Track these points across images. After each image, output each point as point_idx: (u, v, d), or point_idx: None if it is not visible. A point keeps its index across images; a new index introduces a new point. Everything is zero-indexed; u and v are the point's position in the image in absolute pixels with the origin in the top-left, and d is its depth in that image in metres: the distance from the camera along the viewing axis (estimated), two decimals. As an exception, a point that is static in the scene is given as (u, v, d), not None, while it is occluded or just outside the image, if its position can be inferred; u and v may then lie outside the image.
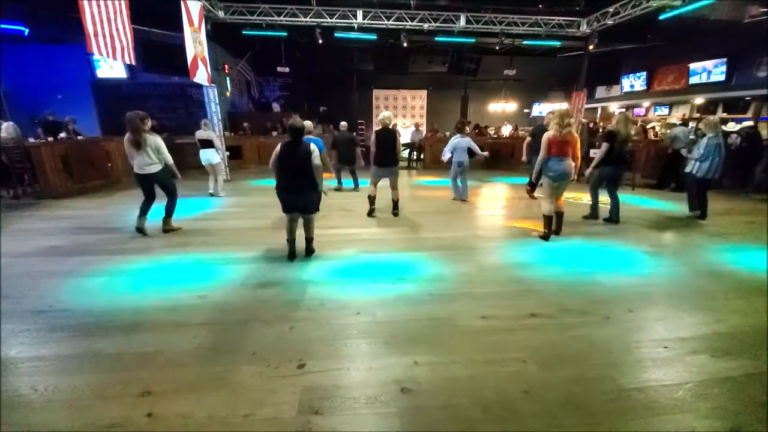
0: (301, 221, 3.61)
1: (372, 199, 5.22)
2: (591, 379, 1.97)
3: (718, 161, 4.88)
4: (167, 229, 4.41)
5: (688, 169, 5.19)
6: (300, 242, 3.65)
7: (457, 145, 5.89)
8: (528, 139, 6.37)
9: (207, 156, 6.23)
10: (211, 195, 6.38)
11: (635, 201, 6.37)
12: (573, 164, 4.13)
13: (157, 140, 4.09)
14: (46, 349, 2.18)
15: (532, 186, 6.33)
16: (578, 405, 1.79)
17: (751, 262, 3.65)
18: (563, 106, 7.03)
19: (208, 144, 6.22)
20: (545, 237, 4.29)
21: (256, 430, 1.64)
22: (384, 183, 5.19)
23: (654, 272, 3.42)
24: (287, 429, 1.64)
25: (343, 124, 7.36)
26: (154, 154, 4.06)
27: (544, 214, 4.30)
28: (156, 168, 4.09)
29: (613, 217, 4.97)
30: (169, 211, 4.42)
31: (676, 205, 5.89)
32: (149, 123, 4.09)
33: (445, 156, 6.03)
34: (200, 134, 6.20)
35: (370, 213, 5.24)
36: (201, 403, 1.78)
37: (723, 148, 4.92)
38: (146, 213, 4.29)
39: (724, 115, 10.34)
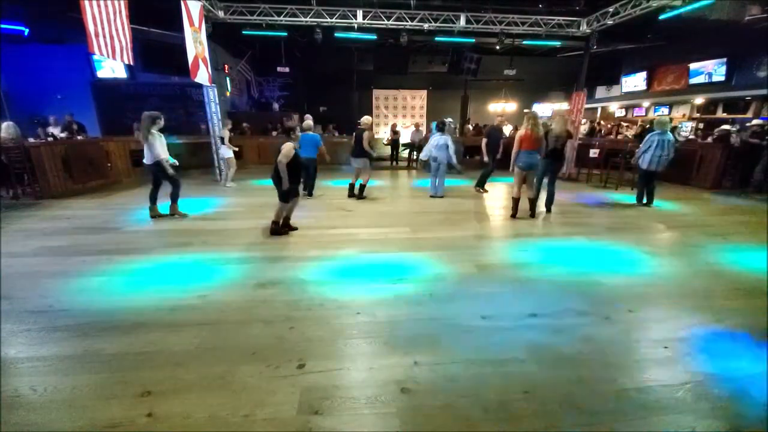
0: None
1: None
2: (591, 379, 1.97)
3: (660, 155, 5.48)
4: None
5: (634, 162, 5.86)
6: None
7: (436, 143, 6.15)
8: (484, 140, 6.94)
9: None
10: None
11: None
12: (539, 157, 4.93)
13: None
14: (46, 349, 2.18)
15: (480, 185, 7.14)
16: (578, 405, 1.79)
17: (751, 262, 3.65)
18: (563, 106, 7.22)
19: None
20: (513, 215, 5.15)
21: (256, 430, 1.64)
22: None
23: (654, 272, 3.42)
24: (287, 429, 1.64)
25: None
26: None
27: (512, 197, 5.18)
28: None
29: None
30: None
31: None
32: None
33: (424, 157, 6.45)
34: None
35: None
36: (201, 403, 1.78)
37: (667, 144, 5.45)
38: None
39: (724, 115, 10.34)
